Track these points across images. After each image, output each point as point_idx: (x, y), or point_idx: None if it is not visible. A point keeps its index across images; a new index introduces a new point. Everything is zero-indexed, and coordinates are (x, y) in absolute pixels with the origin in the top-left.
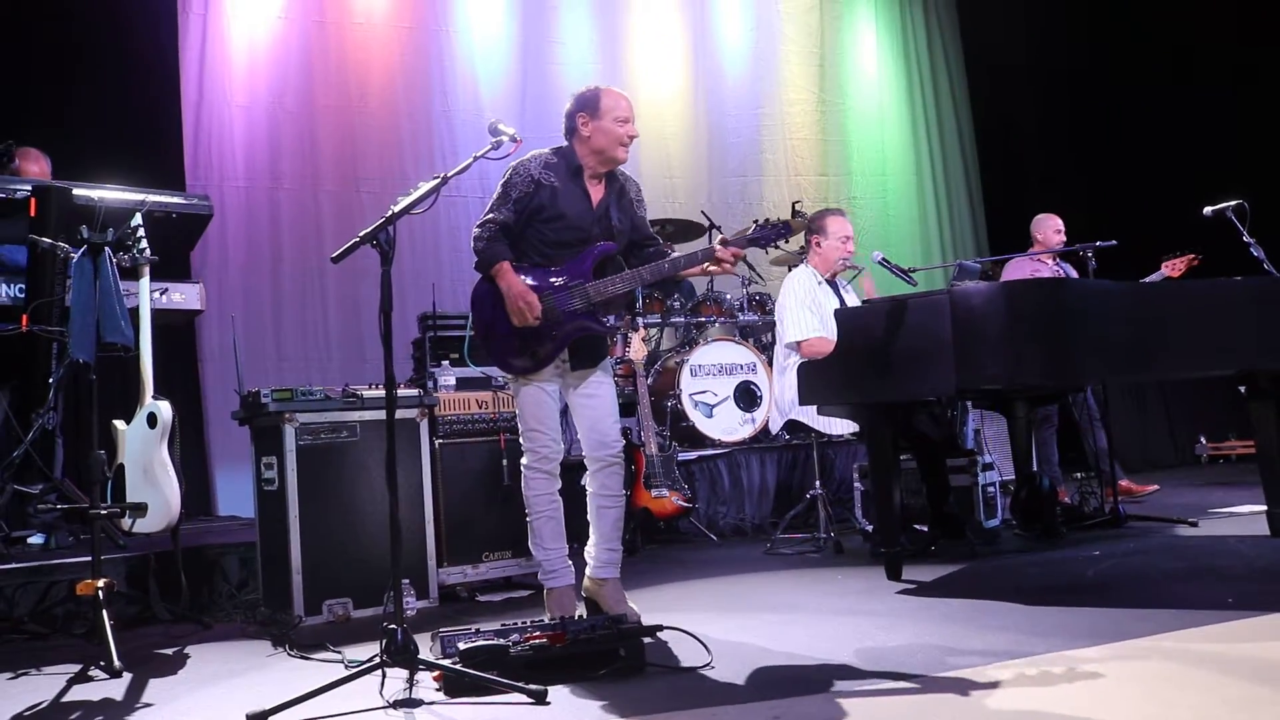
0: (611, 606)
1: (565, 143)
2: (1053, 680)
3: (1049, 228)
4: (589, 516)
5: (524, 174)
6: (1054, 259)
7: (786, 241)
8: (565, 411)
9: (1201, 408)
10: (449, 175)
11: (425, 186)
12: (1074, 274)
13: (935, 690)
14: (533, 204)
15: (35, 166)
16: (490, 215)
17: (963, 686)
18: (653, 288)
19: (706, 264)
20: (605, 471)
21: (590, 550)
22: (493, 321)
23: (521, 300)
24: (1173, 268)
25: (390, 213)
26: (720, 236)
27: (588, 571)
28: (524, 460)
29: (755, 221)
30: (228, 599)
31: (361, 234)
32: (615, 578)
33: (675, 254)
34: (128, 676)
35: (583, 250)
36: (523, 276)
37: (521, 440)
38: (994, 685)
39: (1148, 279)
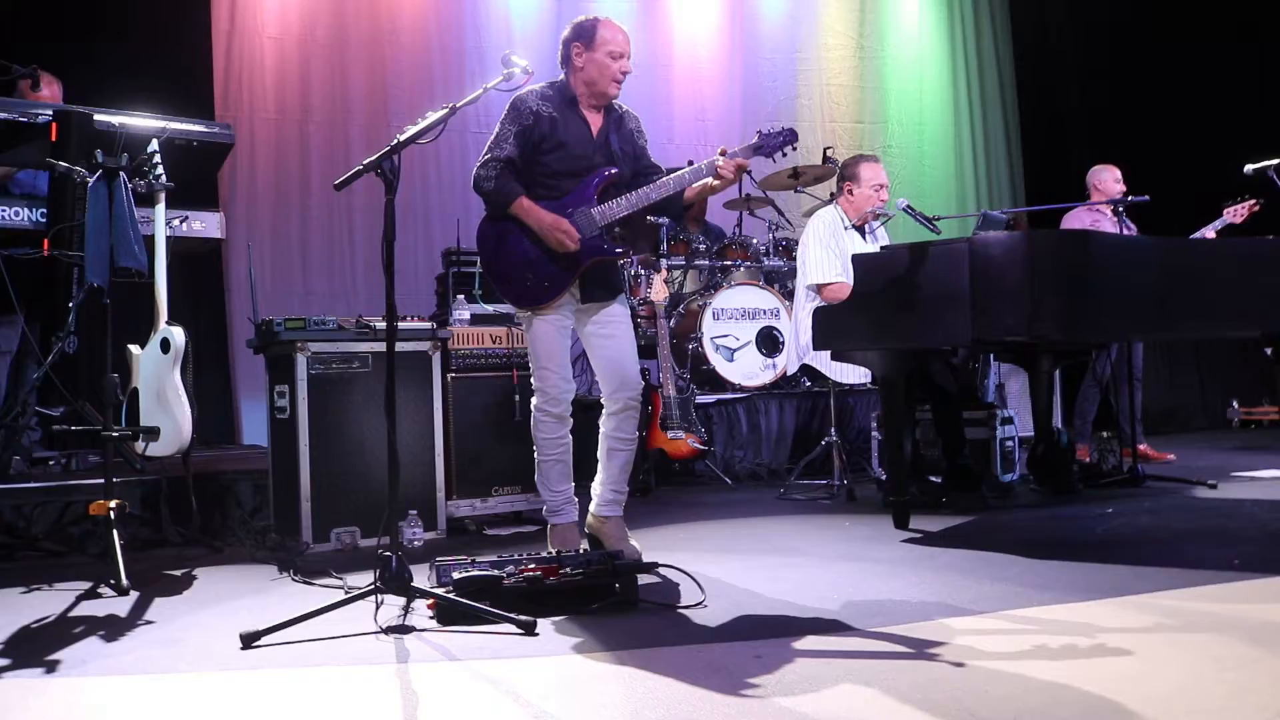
0: (613, 543)
1: (561, 73)
2: (1042, 632)
3: (1109, 178)
4: (599, 454)
5: (522, 107)
6: (1114, 210)
7: (794, 149)
8: (579, 354)
9: (1235, 371)
10: (458, 105)
11: (433, 116)
12: (1133, 227)
13: (925, 637)
14: (534, 136)
15: (47, 90)
16: (492, 153)
17: (953, 635)
18: (679, 229)
19: (709, 179)
20: (623, 414)
21: (596, 488)
22: (498, 257)
23: (557, 230)
24: (1235, 213)
25: (395, 141)
26: (721, 147)
27: (591, 508)
28: (534, 400)
29: (759, 131)
30: (240, 524)
31: (366, 162)
32: (618, 515)
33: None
34: (134, 595)
35: (586, 177)
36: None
37: (532, 379)
38: (985, 634)
39: (1209, 226)
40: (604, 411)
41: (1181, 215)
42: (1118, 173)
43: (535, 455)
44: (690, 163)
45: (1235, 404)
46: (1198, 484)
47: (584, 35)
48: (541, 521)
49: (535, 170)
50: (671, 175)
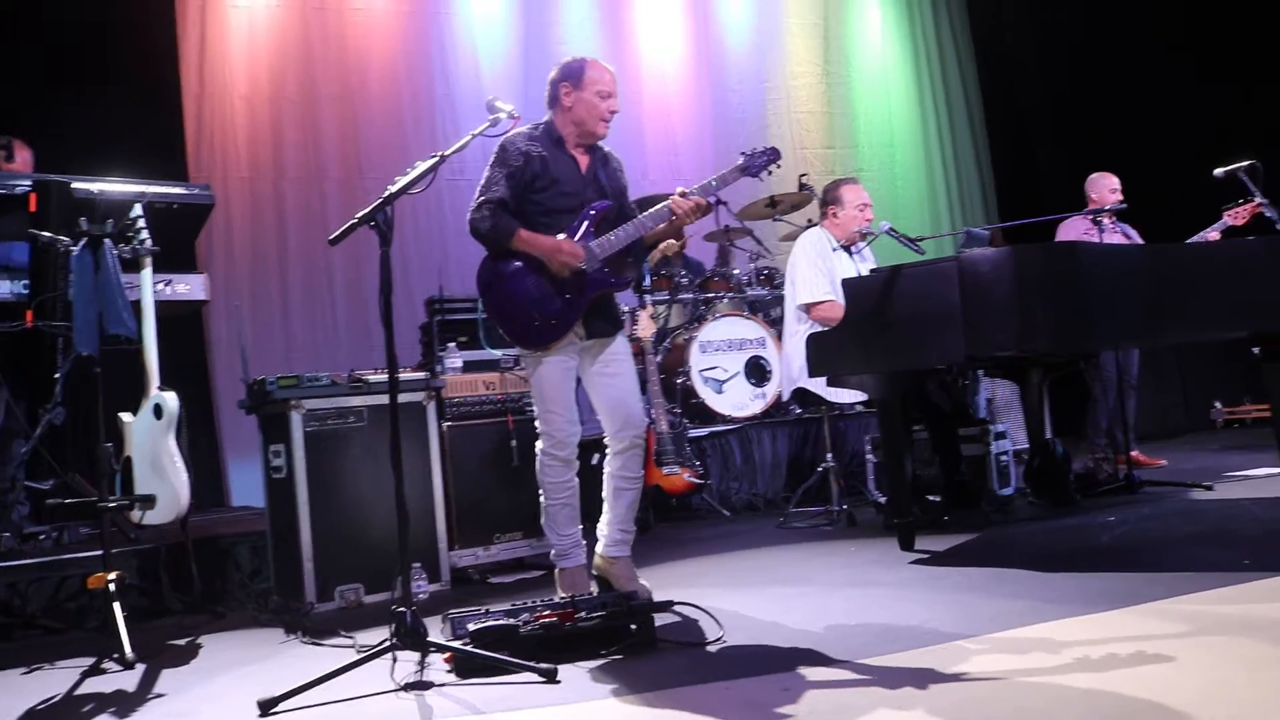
0: (623, 584)
1: (548, 113)
2: (1069, 645)
3: (1104, 186)
4: (604, 495)
5: (511, 149)
6: (1112, 219)
7: (779, 166)
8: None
9: (1217, 371)
10: (446, 154)
11: (422, 166)
12: (1134, 234)
13: (948, 658)
14: (525, 176)
15: (19, 157)
16: (484, 196)
17: (976, 654)
18: (660, 265)
19: (671, 218)
20: (628, 453)
21: (603, 529)
22: (504, 299)
23: (559, 253)
24: (1235, 216)
25: (387, 193)
26: (678, 189)
27: (599, 550)
28: (539, 444)
29: (743, 154)
30: (240, 588)
31: (359, 215)
32: (626, 556)
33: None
34: (141, 668)
35: (581, 212)
36: (521, 260)
37: (537, 423)
38: (1009, 652)
39: (1209, 229)
40: (609, 451)
41: (1166, 217)
42: (1115, 182)
43: (542, 499)
44: None
45: (1218, 404)
46: (1194, 487)
47: (572, 75)
48: (545, 567)
49: (529, 209)
50: (660, 205)
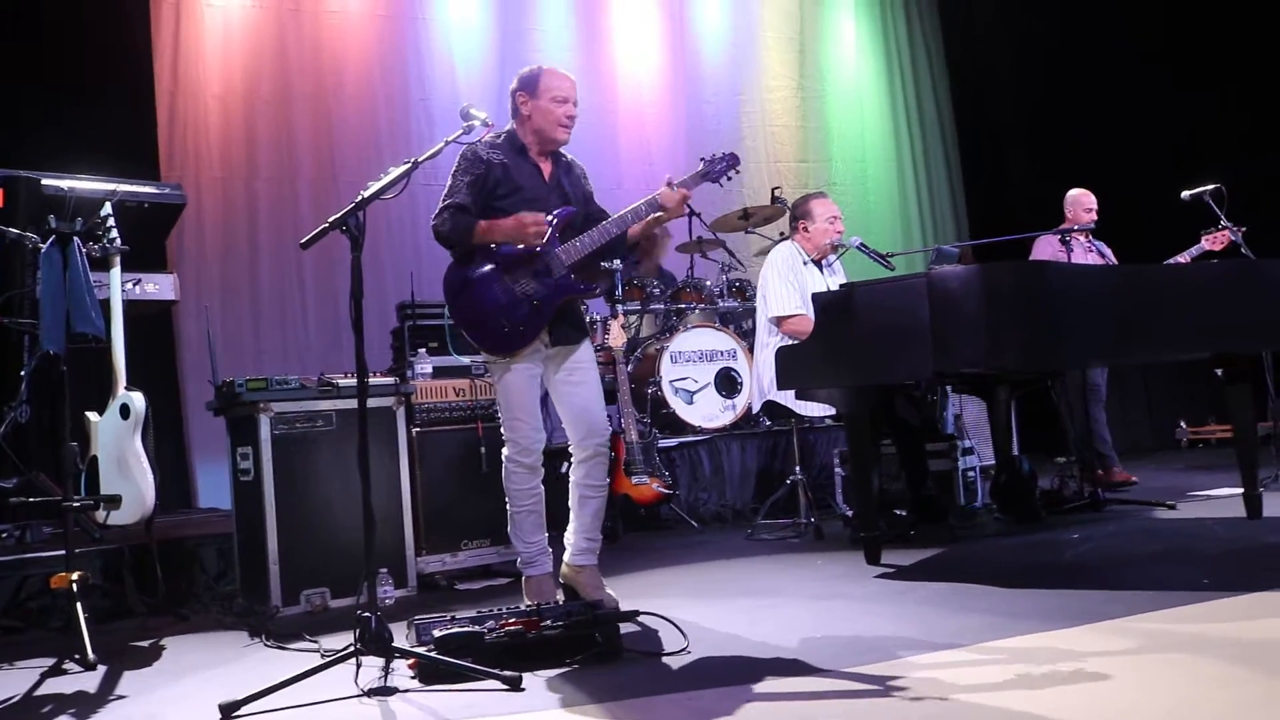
0: (590, 593)
1: (510, 123)
2: (1029, 661)
3: (1079, 206)
4: (570, 504)
5: (472, 156)
6: (1086, 237)
7: (738, 173)
8: (545, 399)
9: (1181, 392)
10: (420, 159)
11: (396, 171)
12: (1109, 253)
13: (910, 672)
14: (487, 184)
15: None
16: (446, 202)
17: (938, 668)
18: (632, 275)
19: (659, 211)
20: (592, 461)
21: (569, 537)
22: (470, 305)
23: (522, 226)
24: (1213, 241)
25: (360, 198)
26: (667, 177)
27: (565, 558)
28: (505, 451)
29: (702, 159)
30: (205, 591)
31: (331, 219)
32: (593, 565)
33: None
34: (102, 669)
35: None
36: (487, 266)
37: (502, 430)
38: (969, 666)
39: (1186, 253)
40: (573, 460)
41: (1143, 232)
42: (1090, 201)
43: (508, 507)
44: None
45: (1183, 424)
46: (1158, 505)
47: (529, 85)
48: (512, 574)
49: (492, 216)
50: (629, 209)
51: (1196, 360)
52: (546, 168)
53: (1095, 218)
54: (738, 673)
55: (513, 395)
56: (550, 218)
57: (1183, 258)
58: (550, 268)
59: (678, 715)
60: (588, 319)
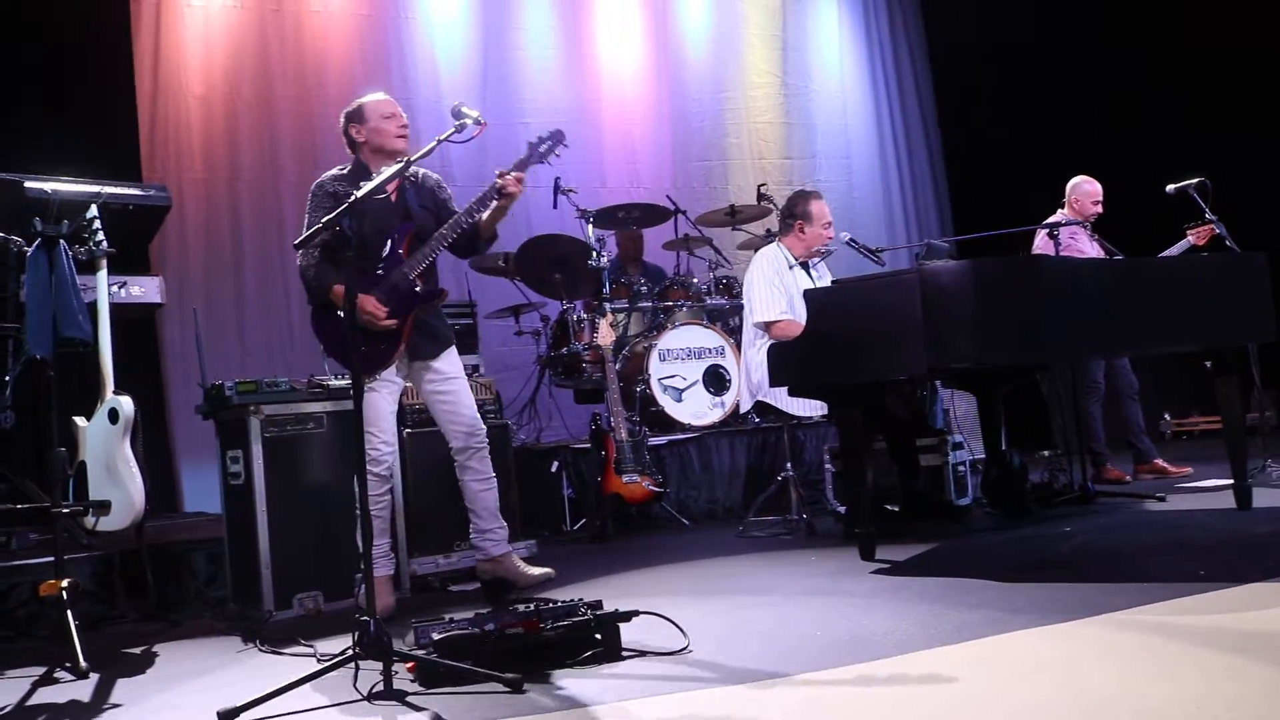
0: (518, 578)
1: (351, 158)
2: (1031, 656)
3: (1087, 197)
4: (467, 504)
5: (320, 191)
6: (1088, 230)
7: (565, 147)
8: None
9: (1164, 384)
10: (412, 159)
11: (388, 171)
12: (1110, 247)
13: (914, 669)
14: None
15: None
16: (310, 248)
17: (942, 665)
18: (618, 273)
19: (495, 200)
20: (476, 456)
21: (475, 538)
22: (333, 333)
23: (362, 312)
24: (1197, 235)
25: (353, 197)
26: (497, 170)
27: (483, 554)
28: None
29: (529, 142)
30: (196, 596)
31: (324, 220)
32: (509, 551)
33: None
34: (95, 677)
35: (393, 238)
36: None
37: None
38: (974, 663)
39: (1174, 248)
40: (456, 462)
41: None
42: (1097, 191)
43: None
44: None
45: (1167, 416)
46: (1147, 497)
47: (355, 116)
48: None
49: (341, 243)
50: (462, 211)
51: (1185, 353)
52: (391, 187)
53: (1101, 210)
54: (739, 672)
55: (370, 411)
56: (393, 237)
57: (1172, 253)
58: (397, 286)
59: (680, 714)
60: (575, 317)
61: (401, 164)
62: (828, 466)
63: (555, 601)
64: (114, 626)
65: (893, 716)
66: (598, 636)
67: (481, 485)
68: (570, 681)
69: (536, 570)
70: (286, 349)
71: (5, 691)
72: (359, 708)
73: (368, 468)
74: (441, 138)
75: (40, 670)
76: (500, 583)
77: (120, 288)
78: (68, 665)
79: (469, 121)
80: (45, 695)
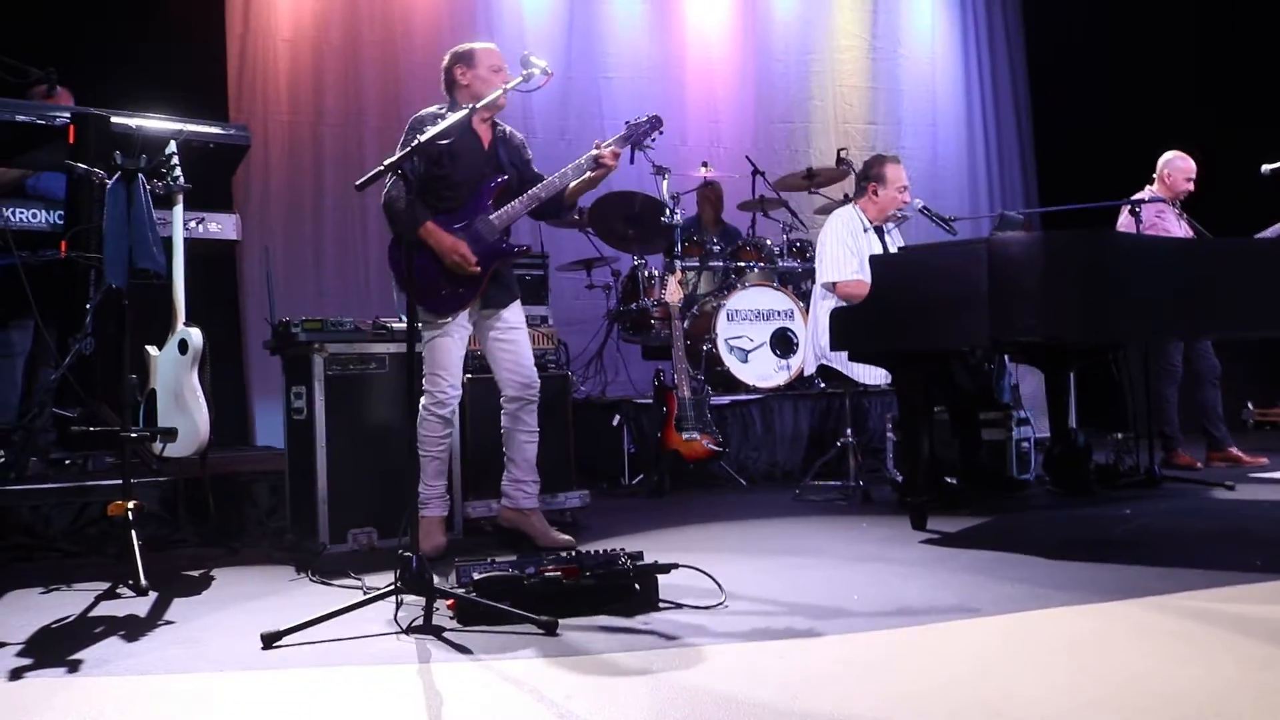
0: (540, 536)
1: (447, 99)
2: (1065, 633)
3: (1180, 174)
4: (506, 450)
5: (420, 126)
6: (1176, 209)
7: (661, 133)
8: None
9: (1250, 372)
10: (477, 106)
11: (453, 117)
12: (1199, 226)
13: (942, 639)
14: (430, 152)
15: (62, 98)
16: (397, 175)
17: (969, 636)
18: (692, 231)
19: (589, 172)
20: (526, 408)
21: (508, 485)
22: (415, 271)
23: (455, 254)
24: None
25: (416, 141)
26: (596, 141)
27: (511, 503)
28: (423, 401)
29: (627, 122)
30: (256, 525)
31: (386, 162)
32: (537, 508)
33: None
34: (153, 595)
35: (480, 187)
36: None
37: (423, 382)
38: (1007, 635)
39: (1268, 230)
40: (504, 410)
41: (1228, 208)
42: (1191, 169)
43: (420, 453)
44: (657, 168)
45: (1250, 405)
46: (1216, 486)
47: (465, 58)
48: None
49: (434, 184)
50: (557, 174)
51: (1269, 340)
52: (486, 136)
53: (1193, 188)
54: (772, 629)
55: (440, 354)
56: (487, 187)
57: (1270, 233)
58: (481, 234)
59: (708, 666)
60: (645, 273)
61: (467, 110)
62: (889, 435)
63: (597, 551)
64: (176, 549)
65: (912, 682)
66: (636, 587)
67: (527, 437)
68: (603, 629)
69: (559, 535)
70: (362, 290)
71: (72, 602)
72: (395, 639)
73: (432, 409)
74: (508, 86)
75: (105, 585)
76: (519, 535)
77: (198, 223)
78: (130, 582)
79: (536, 71)
80: (106, 608)
